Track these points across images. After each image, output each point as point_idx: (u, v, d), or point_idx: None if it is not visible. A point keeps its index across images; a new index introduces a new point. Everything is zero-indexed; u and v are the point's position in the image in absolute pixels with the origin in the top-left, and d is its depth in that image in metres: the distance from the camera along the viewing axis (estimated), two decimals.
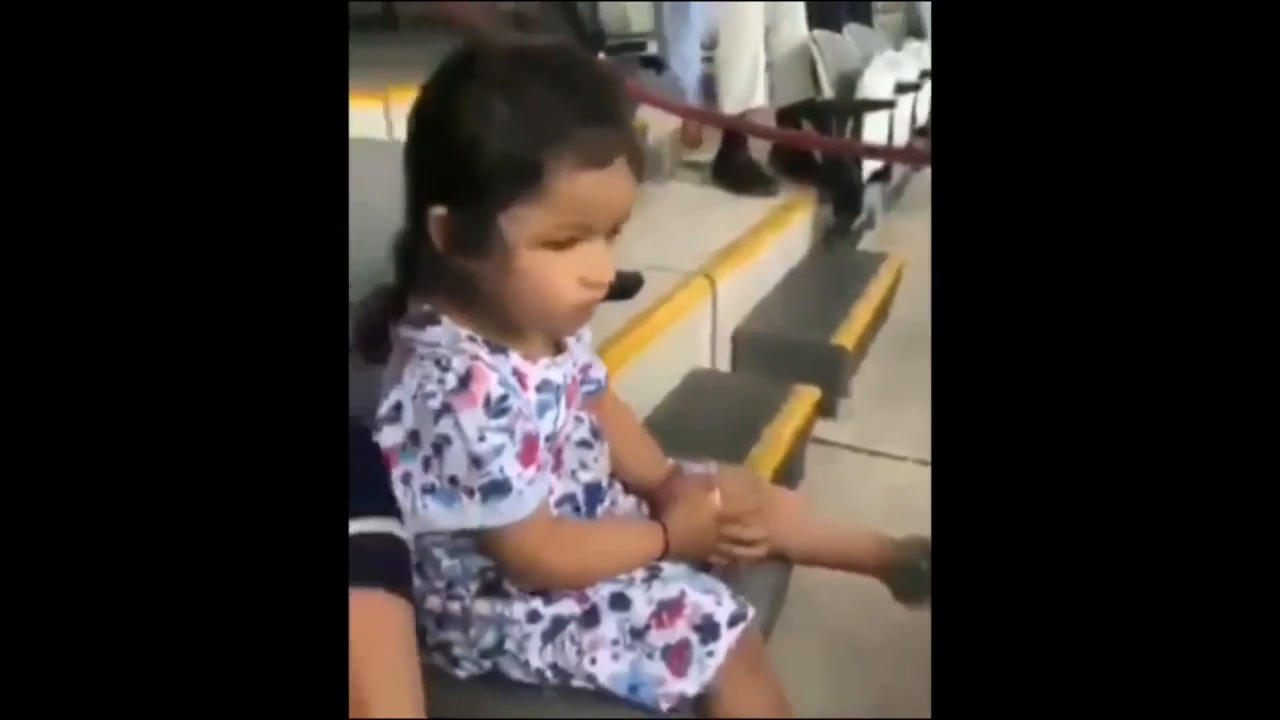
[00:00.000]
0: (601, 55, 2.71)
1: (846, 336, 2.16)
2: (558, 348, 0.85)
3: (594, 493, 0.91)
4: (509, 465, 0.75)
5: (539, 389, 0.80)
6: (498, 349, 0.78)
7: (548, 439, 0.81)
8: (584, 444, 0.90)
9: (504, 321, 0.78)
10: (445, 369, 0.74)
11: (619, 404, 1.02)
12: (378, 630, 0.56)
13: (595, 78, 0.73)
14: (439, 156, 0.73)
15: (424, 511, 0.75)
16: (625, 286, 1.29)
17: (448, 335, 0.76)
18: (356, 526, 0.53)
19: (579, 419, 0.90)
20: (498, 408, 0.74)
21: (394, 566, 0.55)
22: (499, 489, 0.75)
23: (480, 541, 0.80)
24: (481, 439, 0.73)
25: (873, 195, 3.15)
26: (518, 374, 0.78)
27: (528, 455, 0.77)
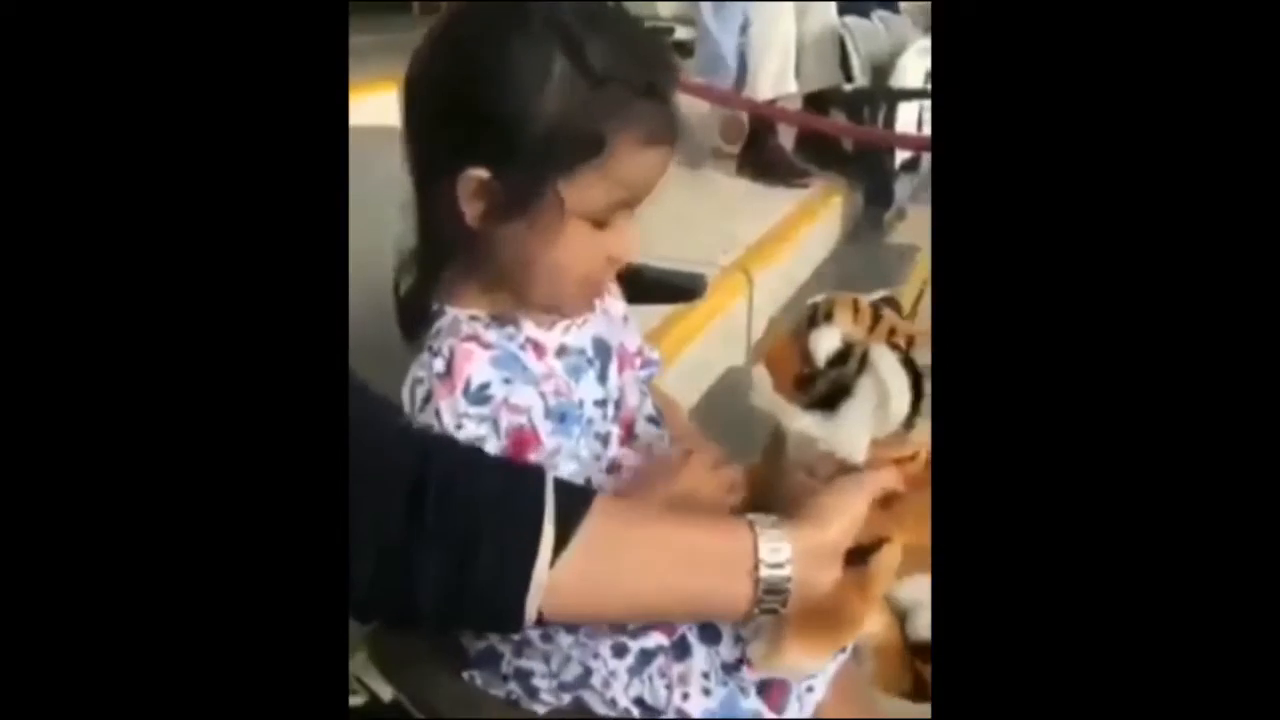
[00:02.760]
0: None
1: None
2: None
3: None
4: None
5: (559, 353, 0.75)
6: (507, 322, 0.73)
7: (597, 403, 0.76)
8: (652, 420, 0.84)
9: (520, 294, 0.73)
10: (435, 354, 0.71)
11: (667, 399, 0.97)
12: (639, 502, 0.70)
13: (655, 45, 0.71)
14: (482, 116, 0.67)
15: None
16: (688, 288, 1.22)
17: (448, 322, 0.73)
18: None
19: (643, 392, 0.84)
20: (477, 395, 0.69)
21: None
22: None
23: None
24: (459, 427, 0.69)
25: (903, 186, 3.07)
26: (533, 343, 0.74)
27: (515, 452, 0.71)
